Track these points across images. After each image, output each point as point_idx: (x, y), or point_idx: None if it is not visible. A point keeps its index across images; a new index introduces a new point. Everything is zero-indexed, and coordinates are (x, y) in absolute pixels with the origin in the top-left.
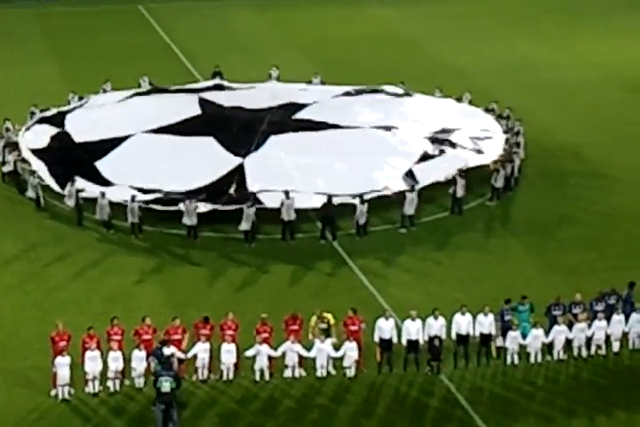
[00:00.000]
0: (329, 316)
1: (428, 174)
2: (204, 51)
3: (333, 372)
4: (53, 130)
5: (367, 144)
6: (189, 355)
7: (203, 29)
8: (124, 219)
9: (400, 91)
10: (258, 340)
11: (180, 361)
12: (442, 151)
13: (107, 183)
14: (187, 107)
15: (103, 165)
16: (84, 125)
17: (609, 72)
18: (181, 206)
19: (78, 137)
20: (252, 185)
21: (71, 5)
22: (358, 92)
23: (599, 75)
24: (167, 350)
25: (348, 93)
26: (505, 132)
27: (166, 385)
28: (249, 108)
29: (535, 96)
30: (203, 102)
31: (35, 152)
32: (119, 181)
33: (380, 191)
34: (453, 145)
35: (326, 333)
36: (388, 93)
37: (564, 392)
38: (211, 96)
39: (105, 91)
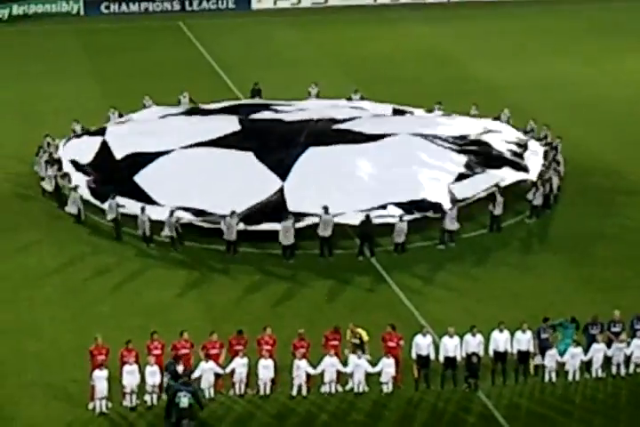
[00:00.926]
0: (362, 332)
1: (467, 191)
2: (243, 67)
3: (366, 388)
4: (94, 141)
5: (407, 157)
6: (227, 370)
7: (242, 46)
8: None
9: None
10: (297, 355)
11: (218, 376)
12: (482, 170)
13: (148, 200)
14: (226, 124)
15: (142, 179)
16: (124, 139)
17: None
18: (222, 224)
19: (118, 152)
20: (291, 206)
21: (112, 22)
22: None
23: (636, 92)
24: (179, 367)
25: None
26: (543, 148)
27: (185, 401)
28: (288, 121)
29: (573, 114)
30: (242, 120)
31: (76, 165)
32: (161, 199)
33: (421, 212)
34: (495, 160)
35: (359, 348)
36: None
37: (602, 411)
38: (250, 114)
39: (145, 106)
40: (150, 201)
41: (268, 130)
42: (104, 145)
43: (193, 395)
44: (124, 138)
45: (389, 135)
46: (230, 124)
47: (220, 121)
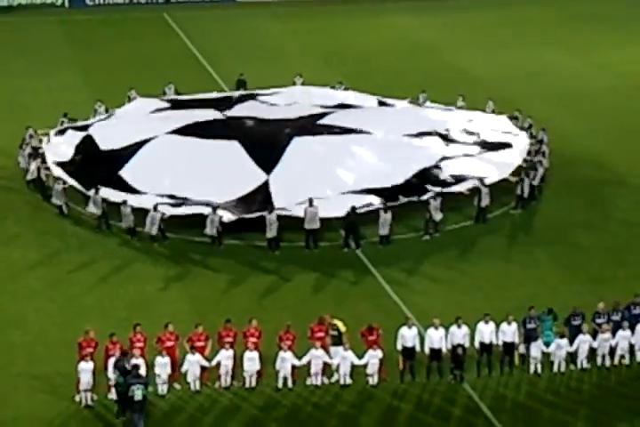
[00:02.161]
0: (339, 323)
1: (452, 170)
2: (228, 58)
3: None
4: (78, 135)
5: (392, 144)
6: (213, 363)
7: (227, 37)
8: (146, 226)
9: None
10: (283, 347)
11: (203, 368)
12: (465, 155)
13: (133, 191)
14: (210, 113)
15: (127, 173)
16: (108, 131)
17: (631, 80)
18: (205, 212)
19: (103, 144)
20: (277, 199)
21: (96, 13)
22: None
23: (621, 83)
24: (135, 361)
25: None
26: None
27: (139, 393)
28: (271, 118)
29: (557, 104)
30: (225, 113)
31: (59, 164)
32: (146, 188)
33: (403, 199)
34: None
35: (336, 340)
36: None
37: (587, 402)
38: (234, 112)
39: (130, 98)
40: (135, 191)
41: (252, 122)
42: (88, 138)
43: (145, 387)
44: (108, 131)
45: (373, 130)
46: (214, 115)
47: (203, 111)
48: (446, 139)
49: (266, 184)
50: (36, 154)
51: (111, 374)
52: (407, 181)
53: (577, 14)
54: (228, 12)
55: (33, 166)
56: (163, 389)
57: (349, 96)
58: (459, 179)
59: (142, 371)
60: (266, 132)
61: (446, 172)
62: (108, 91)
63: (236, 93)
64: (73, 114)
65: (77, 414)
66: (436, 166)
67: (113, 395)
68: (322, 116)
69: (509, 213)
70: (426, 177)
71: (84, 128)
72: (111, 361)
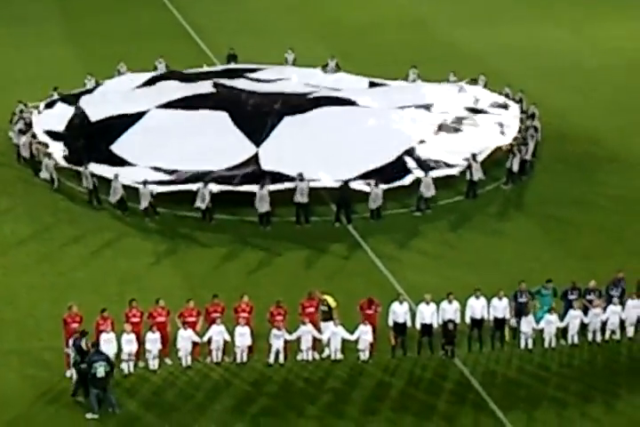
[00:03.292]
0: (329, 298)
1: (442, 152)
2: (219, 32)
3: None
4: (68, 109)
5: (384, 121)
6: (205, 338)
7: (218, 11)
8: (138, 201)
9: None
10: (274, 323)
11: (195, 344)
12: (457, 129)
13: (123, 163)
14: (201, 87)
15: (119, 147)
16: (98, 104)
17: (626, 56)
18: (194, 188)
19: (94, 115)
20: (267, 167)
21: None
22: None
23: (616, 59)
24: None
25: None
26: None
27: (101, 370)
28: (262, 92)
29: (551, 80)
30: (217, 85)
31: (50, 134)
32: (136, 160)
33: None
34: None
35: (327, 315)
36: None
37: (578, 377)
38: (226, 81)
39: (119, 71)
40: (125, 163)
41: (243, 96)
42: (78, 109)
43: (108, 363)
44: (98, 103)
45: (363, 102)
46: (204, 88)
47: (194, 85)
48: (439, 111)
49: (256, 156)
50: (27, 129)
51: (70, 352)
52: (398, 158)
53: None
54: None
55: (24, 140)
56: (154, 364)
57: (341, 78)
58: (447, 162)
59: (132, 347)
60: (256, 106)
61: (436, 151)
62: (98, 64)
63: (226, 67)
64: (63, 87)
65: (68, 390)
66: (424, 142)
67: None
68: (312, 92)
69: (500, 188)
70: (416, 157)
71: (74, 101)
72: (102, 337)
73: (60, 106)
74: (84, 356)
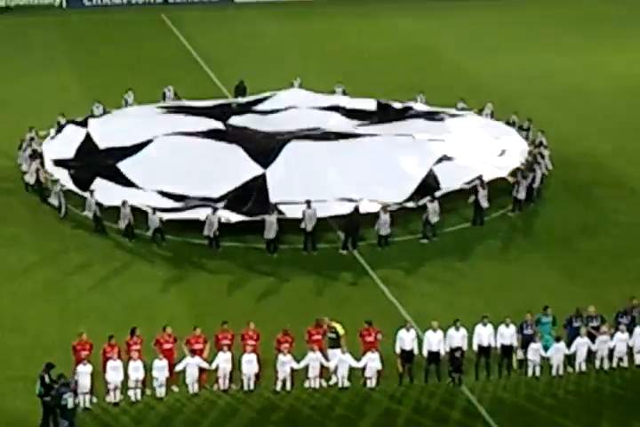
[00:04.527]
0: (338, 326)
1: (450, 177)
2: (226, 59)
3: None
4: (78, 133)
5: (390, 150)
6: (213, 366)
7: (225, 38)
8: (146, 228)
9: (425, 108)
10: (281, 350)
11: (202, 370)
12: (461, 156)
13: (129, 184)
14: (210, 123)
15: (126, 167)
16: (107, 131)
17: (628, 82)
18: (202, 216)
19: (101, 143)
20: (274, 196)
21: (94, 14)
22: (382, 119)
23: (618, 85)
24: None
25: (372, 120)
26: (526, 141)
27: (70, 401)
28: (272, 131)
29: (556, 107)
30: (227, 125)
31: (58, 162)
32: (143, 183)
33: (403, 203)
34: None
35: (334, 342)
36: (414, 116)
37: (585, 405)
38: (235, 121)
39: (127, 101)
40: (131, 185)
41: (252, 132)
42: (87, 137)
43: (75, 395)
44: (106, 129)
45: (371, 135)
46: (215, 124)
47: (204, 120)
48: (444, 142)
49: (263, 177)
50: (36, 155)
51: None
52: (409, 195)
53: (577, 16)
54: (226, 13)
55: (32, 167)
56: (161, 391)
57: (348, 100)
58: (455, 188)
59: (139, 374)
60: (265, 138)
61: (444, 178)
62: (106, 92)
63: (234, 101)
64: (70, 115)
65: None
66: (433, 175)
67: (111, 398)
68: (320, 128)
69: (507, 215)
70: (424, 187)
71: (84, 123)
72: (109, 364)
73: (70, 127)
74: (49, 389)
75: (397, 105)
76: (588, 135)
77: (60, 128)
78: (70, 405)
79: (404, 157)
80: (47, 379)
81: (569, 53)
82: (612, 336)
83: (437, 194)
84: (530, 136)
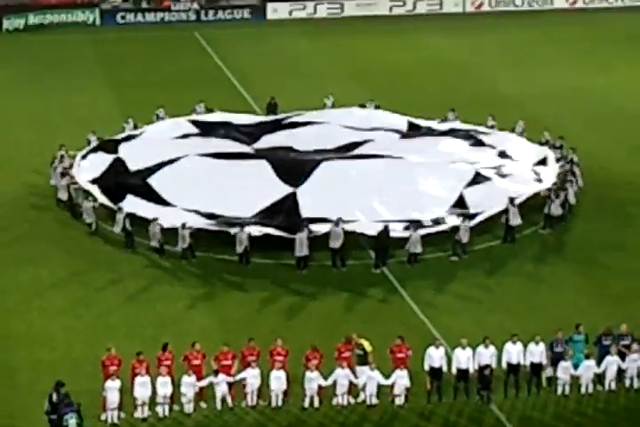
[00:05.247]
0: (365, 343)
1: (480, 201)
2: (258, 77)
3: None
4: (108, 158)
5: (420, 172)
6: (237, 378)
7: (258, 56)
8: (176, 244)
9: (456, 125)
10: (310, 367)
11: (230, 386)
12: (492, 177)
13: (160, 200)
14: (241, 147)
15: (156, 181)
16: (137, 154)
17: None
18: (232, 232)
19: (132, 165)
20: (305, 213)
21: (126, 31)
22: (414, 134)
23: None
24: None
25: (404, 135)
26: (558, 160)
27: (72, 422)
28: (303, 150)
29: (589, 125)
30: (257, 150)
31: (89, 181)
32: (173, 200)
33: (433, 226)
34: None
35: (362, 359)
36: (444, 134)
37: (614, 423)
38: (262, 144)
39: (158, 116)
40: (162, 202)
41: (282, 151)
42: (117, 160)
43: (78, 414)
44: (137, 154)
45: (401, 157)
46: (242, 148)
47: (231, 143)
48: (476, 163)
49: (294, 195)
50: (67, 172)
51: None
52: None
53: (609, 34)
54: (259, 31)
55: (63, 183)
56: (189, 407)
57: (380, 117)
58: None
59: (167, 390)
60: (295, 158)
61: (474, 202)
62: (138, 109)
63: (266, 119)
64: (102, 132)
65: None
66: (462, 199)
67: (139, 414)
68: (353, 146)
69: (538, 232)
70: (454, 211)
71: (113, 150)
72: (137, 380)
73: (99, 155)
74: (55, 407)
75: (428, 123)
76: (622, 154)
77: (90, 150)
78: (72, 425)
79: (436, 180)
80: (55, 397)
81: (601, 71)
82: None
83: (471, 218)
84: (562, 154)
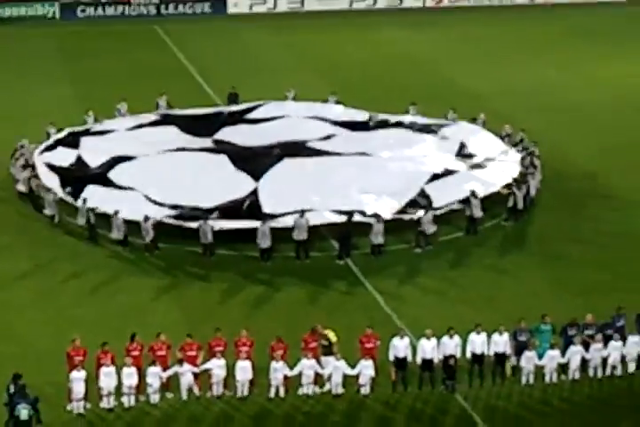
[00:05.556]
0: (330, 333)
1: (441, 194)
2: (219, 71)
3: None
4: (69, 152)
5: (381, 167)
6: (202, 368)
7: (219, 50)
8: (139, 236)
9: (419, 120)
10: (275, 357)
11: (195, 376)
12: (453, 171)
13: (121, 188)
14: (201, 142)
15: (116, 174)
16: (97, 150)
17: (622, 94)
18: (195, 226)
19: (93, 162)
20: (266, 207)
21: (87, 26)
22: (374, 127)
23: (613, 97)
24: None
25: (364, 127)
26: (519, 152)
27: (24, 413)
28: (261, 145)
29: (549, 118)
30: (216, 142)
31: (51, 167)
32: (135, 186)
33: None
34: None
35: (327, 350)
36: (404, 126)
37: (579, 412)
38: (225, 133)
39: (119, 111)
40: (125, 189)
41: (242, 147)
42: (78, 157)
43: (32, 407)
44: (97, 150)
45: (362, 153)
46: (204, 143)
47: (195, 139)
48: (438, 159)
49: (255, 191)
50: (28, 164)
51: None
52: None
53: (572, 29)
54: (219, 25)
55: (24, 176)
56: (155, 398)
57: (340, 112)
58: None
59: (133, 380)
60: (254, 153)
61: (436, 196)
62: (99, 103)
63: (225, 110)
64: (63, 125)
65: (70, 424)
66: (424, 194)
67: (105, 404)
68: (314, 141)
69: (501, 224)
70: (415, 204)
71: (74, 145)
72: (103, 370)
73: (60, 150)
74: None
75: (388, 117)
76: (583, 147)
77: (52, 144)
78: (23, 417)
79: (395, 176)
80: (12, 389)
81: (564, 66)
82: (605, 345)
83: (434, 207)
84: (523, 147)
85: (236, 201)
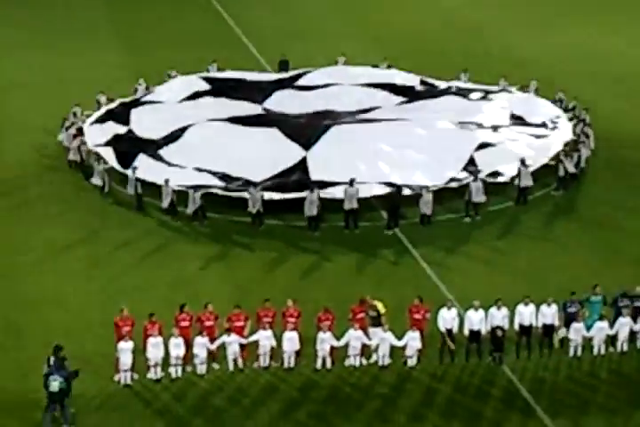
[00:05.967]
0: (379, 304)
1: (491, 161)
2: (270, 38)
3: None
4: (119, 128)
5: (433, 135)
6: (250, 339)
7: (270, 17)
8: (186, 206)
9: (468, 86)
10: (322, 328)
11: (242, 347)
12: (503, 139)
13: (171, 164)
14: (250, 109)
15: (167, 154)
16: (148, 123)
17: None
18: (246, 195)
19: (144, 135)
20: (315, 175)
21: None
22: (421, 96)
23: None
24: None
25: (415, 94)
26: (571, 120)
27: (55, 385)
28: (311, 112)
29: (604, 86)
30: (266, 109)
31: (102, 138)
32: (185, 164)
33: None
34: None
35: (376, 321)
36: (455, 94)
37: (626, 384)
38: (272, 102)
39: (169, 76)
40: (174, 166)
41: (291, 117)
42: (130, 131)
43: (65, 380)
44: (148, 123)
45: (413, 121)
46: (254, 108)
47: (242, 104)
48: (488, 127)
49: (304, 160)
50: (80, 133)
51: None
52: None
53: None
54: None
55: (75, 145)
56: (201, 368)
57: (392, 75)
58: (496, 172)
59: (180, 351)
60: (304, 122)
61: (485, 164)
62: (150, 69)
63: (276, 76)
64: (114, 91)
65: (117, 394)
66: (473, 161)
67: (152, 375)
68: (362, 111)
69: (551, 194)
70: (465, 172)
71: (125, 120)
72: (150, 341)
73: (109, 124)
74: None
75: (440, 83)
76: (635, 115)
77: (101, 117)
78: (53, 388)
79: (446, 143)
80: (52, 361)
81: (621, 33)
82: None
83: (481, 175)
84: (576, 114)
85: (285, 172)
